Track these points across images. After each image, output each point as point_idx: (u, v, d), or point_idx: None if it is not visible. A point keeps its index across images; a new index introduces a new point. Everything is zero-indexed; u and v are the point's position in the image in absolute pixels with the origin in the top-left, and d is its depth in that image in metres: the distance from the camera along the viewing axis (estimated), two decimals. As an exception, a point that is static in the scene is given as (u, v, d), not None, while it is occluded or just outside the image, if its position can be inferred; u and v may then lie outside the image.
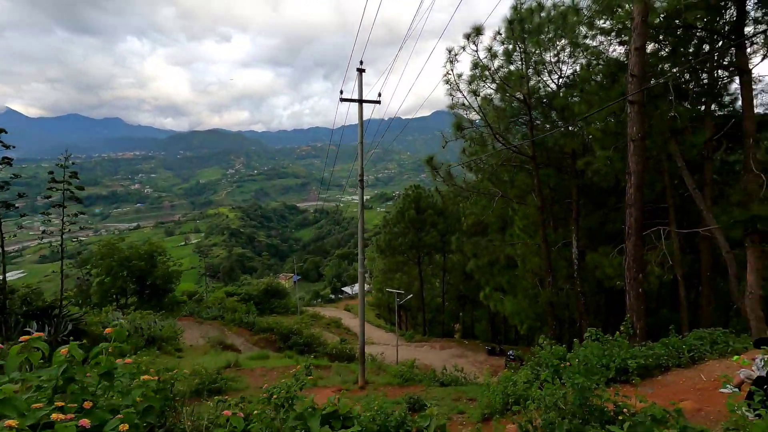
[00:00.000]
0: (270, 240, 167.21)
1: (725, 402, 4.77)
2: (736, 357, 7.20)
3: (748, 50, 12.54)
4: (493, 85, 16.89)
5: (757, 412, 4.67)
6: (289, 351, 21.27)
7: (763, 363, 6.00)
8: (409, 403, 9.88)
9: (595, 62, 16.61)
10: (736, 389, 6.37)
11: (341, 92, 13.03)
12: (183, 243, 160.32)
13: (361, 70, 13.11)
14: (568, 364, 6.06)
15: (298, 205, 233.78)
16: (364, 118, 13.17)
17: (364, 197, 13.63)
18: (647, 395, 7.95)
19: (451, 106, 16.74)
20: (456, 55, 15.65)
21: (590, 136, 14.83)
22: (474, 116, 17.60)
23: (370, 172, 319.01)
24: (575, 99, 17.27)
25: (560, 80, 19.48)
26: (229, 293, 39.97)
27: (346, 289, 76.13)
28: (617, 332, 9.78)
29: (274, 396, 4.96)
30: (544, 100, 19.70)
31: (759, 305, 12.17)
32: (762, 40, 13.08)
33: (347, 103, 13.17)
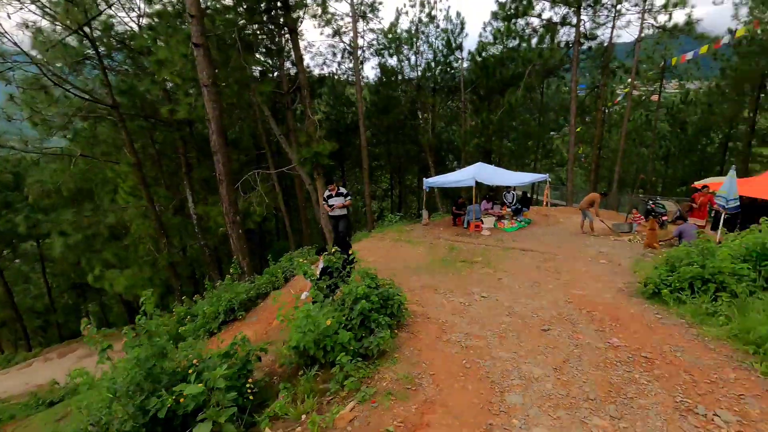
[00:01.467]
0: None
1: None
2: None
3: (294, 14, 14.92)
4: (38, 10, 12.69)
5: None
6: None
7: (321, 266, 7.55)
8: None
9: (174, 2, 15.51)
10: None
11: None
12: None
13: None
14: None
15: None
16: None
17: None
18: (253, 323, 8.82)
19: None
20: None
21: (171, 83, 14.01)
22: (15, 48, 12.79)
23: None
24: (162, 43, 15.77)
25: (142, 19, 17.33)
26: None
27: None
28: (227, 276, 10.26)
29: None
30: (127, 41, 17.06)
31: (330, 221, 15.99)
32: (302, 6, 15.92)
33: None
